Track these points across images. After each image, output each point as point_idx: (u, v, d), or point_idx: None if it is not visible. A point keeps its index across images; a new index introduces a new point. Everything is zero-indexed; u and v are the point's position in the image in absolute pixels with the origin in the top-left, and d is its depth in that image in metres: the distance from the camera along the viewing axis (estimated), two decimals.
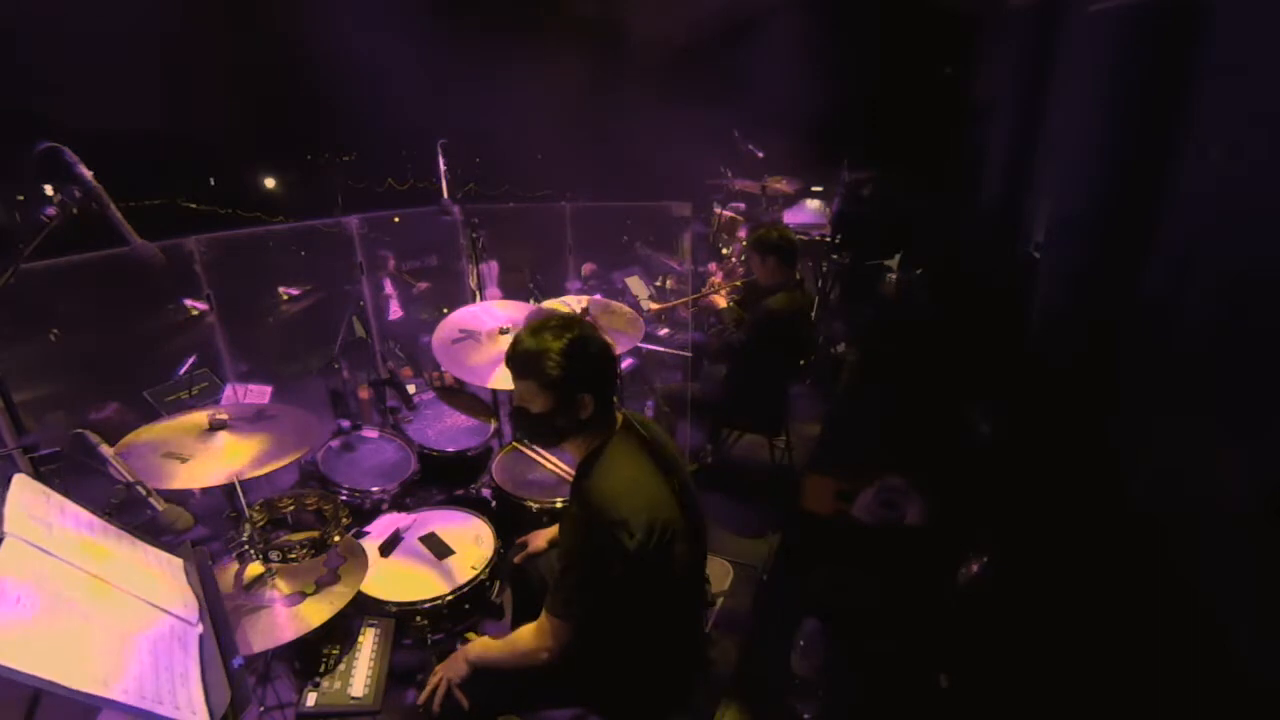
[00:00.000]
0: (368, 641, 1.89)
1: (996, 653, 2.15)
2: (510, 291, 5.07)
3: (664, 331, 4.46)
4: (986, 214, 5.22)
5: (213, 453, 1.99)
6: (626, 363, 3.89)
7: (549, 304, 3.09)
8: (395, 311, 5.16)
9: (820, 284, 5.19)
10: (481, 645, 1.74)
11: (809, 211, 5.89)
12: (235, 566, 1.77)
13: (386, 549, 2.27)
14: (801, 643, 2.23)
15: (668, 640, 1.69)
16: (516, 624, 2.13)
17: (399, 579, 2.15)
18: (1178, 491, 2.31)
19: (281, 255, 5.99)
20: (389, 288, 5.15)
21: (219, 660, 1.18)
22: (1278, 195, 1.98)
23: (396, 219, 5.80)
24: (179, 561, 1.37)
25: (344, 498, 2.43)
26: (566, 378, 1.53)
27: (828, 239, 5.34)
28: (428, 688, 1.69)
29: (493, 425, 2.93)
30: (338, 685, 1.77)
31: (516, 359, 1.58)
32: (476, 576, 2.14)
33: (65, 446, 1.53)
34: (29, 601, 0.96)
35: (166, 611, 1.19)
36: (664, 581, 1.58)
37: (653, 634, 1.65)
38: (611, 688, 1.70)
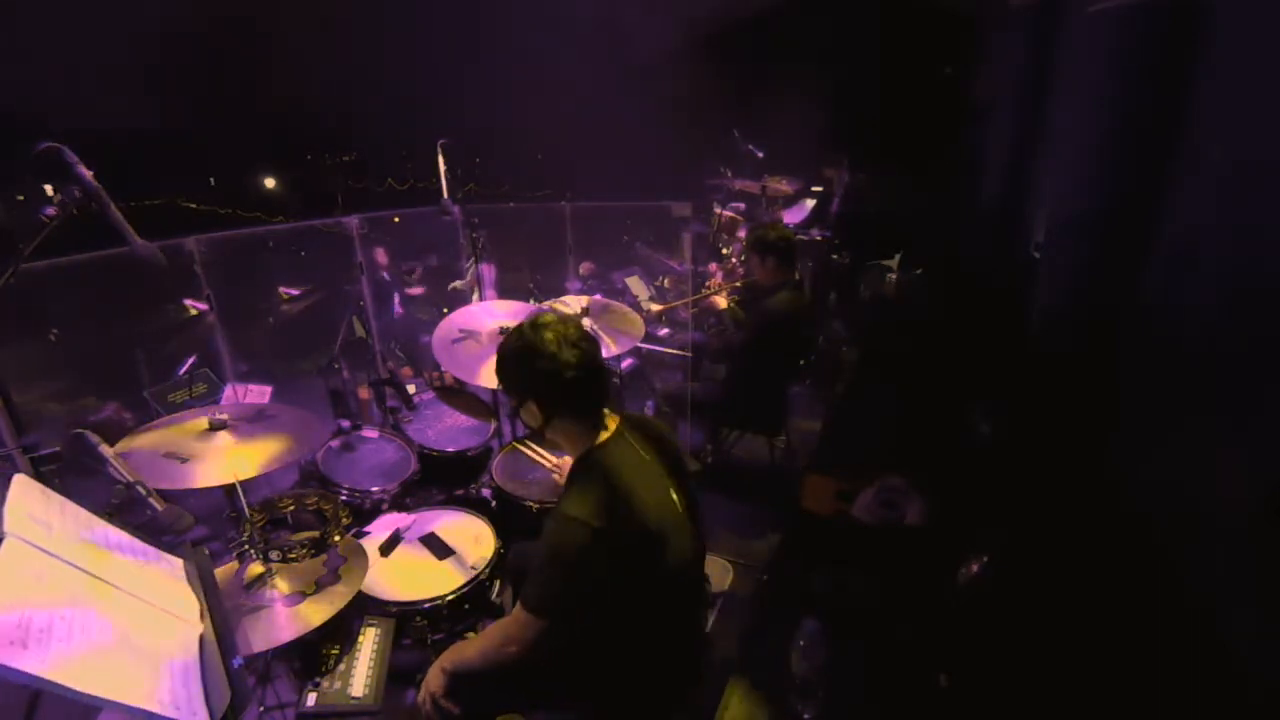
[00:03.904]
0: (368, 641, 1.89)
1: (996, 653, 2.15)
2: (510, 292, 5.08)
3: (664, 331, 4.47)
4: (986, 214, 5.22)
5: (213, 453, 1.99)
6: (626, 363, 3.90)
7: (549, 304, 3.09)
8: (396, 308, 5.17)
9: (813, 284, 5.18)
10: (455, 649, 1.73)
11: (809, 211, 5.89)
12: (235, 566, 1.77)
13: (386, 549, 2.27)
14: (801, 643, 2.23)
15: (667, 640, 1.69)
16: None
17: (399, 579, 2.15)
18: (1178, 491, 2.31)
19: (281, 255, 6.00)
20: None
21: (219, 660, 1.18)
22: (1278, 195, 1.98)
23: (396, 219, 5.81)
24: (179, 561, 1.38)
25: (344, 498, 2.43)
26: (508, 383, 1.63)
27: (819, 239, 5.34)
28: (419, 698, 1.70)
29: (493, 425, 2.93)
30: (338, 685, 1.77)
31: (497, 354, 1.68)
32: (476, 576, 2.14)
33: (65, 446, 1.53)
34: (29, 602, 0.96)
35: (166, 611, 1.19)
36: (650, 586, 1.58)
37: (651, 634, 1.65)
38: (611, 688, 1.70)
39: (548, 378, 1.57)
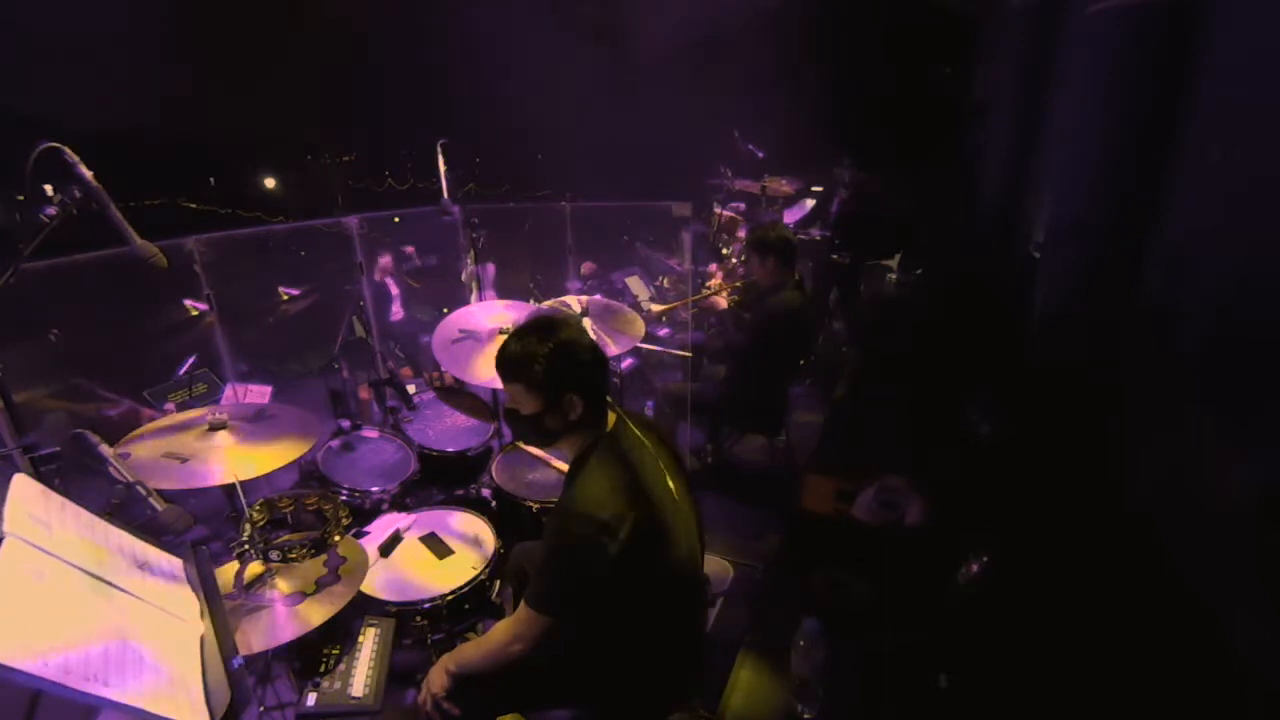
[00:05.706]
0: (368, 641, 1.89)
1: (996, 653, 2.15)
2: (510, 292, 5.07)
3: (664, 331, 4.46)
4: (986, 214, 5.22)
5: (213, 453, 1.99)
6: (626, 363, 3.89)
7: (549, 304, 3.09)
8: (397, 312, 5.17)
9: (813, 284, 5.18)
10: (459, 650, 1.73)
11: (809, 211, 5.89)
12: (235, 566, 1.77)
13: (386, 549, 2.27)
14: (801, 643, 2.22)
15: (666, 640, 1.69)
16: None
17: (399, 579, 2.15)
18: (1177, 491, 2.31)
19: (281, 255, 6.00)
20: (393, 288, 5.16)
21: (219, 660, 1.18)
22: (1277, 196, 1.98)
23: (396, 219, 5.81)
24: (179, 561, 1.37)
25: (344, 498, 2.43)
26: (552, 380, 1.56)
27: (819, 239, 5.34)
28: (420, 699, 1.70)
29: (493, 425, 2.93)
30: (338, 685, 1.77)
31: (504, 362, 1.61)
32: (476, 576, 2.14)
33: (65, 446, 1.53)
34: (29, 601, 0.96)
35: (166, 611, 1.19)
36: (652, 583, 1.58)
37: (651, 634, 1.65)
38: (611, 687, 1.70)
39: (591, 367, 1.60)
